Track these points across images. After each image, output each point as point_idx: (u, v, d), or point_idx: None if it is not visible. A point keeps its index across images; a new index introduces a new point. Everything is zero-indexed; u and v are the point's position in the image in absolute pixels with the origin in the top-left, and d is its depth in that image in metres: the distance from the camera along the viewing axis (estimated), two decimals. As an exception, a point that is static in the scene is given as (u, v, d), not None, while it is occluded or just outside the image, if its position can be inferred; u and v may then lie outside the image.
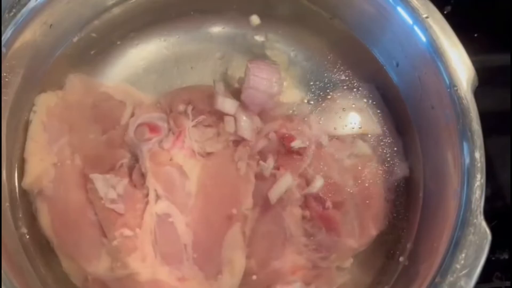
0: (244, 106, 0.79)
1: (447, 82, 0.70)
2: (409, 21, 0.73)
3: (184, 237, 0.74)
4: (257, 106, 0.79)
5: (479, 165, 0.65)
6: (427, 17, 0.72)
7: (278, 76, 0.79)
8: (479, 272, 0.61)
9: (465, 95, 0.68)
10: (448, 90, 0.69)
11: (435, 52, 0.71)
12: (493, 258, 0.85)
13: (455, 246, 0.63)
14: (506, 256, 0.85)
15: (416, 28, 0.73)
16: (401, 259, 0.75)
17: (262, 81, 0.78)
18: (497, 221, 0.70)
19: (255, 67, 0.78)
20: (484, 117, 0.68)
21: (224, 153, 0.79)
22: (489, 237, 0.62)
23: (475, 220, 0.63)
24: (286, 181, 0.75)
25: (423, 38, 0.72)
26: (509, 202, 0.88)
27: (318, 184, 0.76)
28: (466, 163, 0.66)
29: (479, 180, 0.65)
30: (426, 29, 0.71)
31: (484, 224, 0.63)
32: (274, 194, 0.74)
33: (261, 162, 0.77)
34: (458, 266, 0.62)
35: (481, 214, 0.63)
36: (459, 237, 0.63)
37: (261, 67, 0.79)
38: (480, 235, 0.62)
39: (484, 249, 0.62)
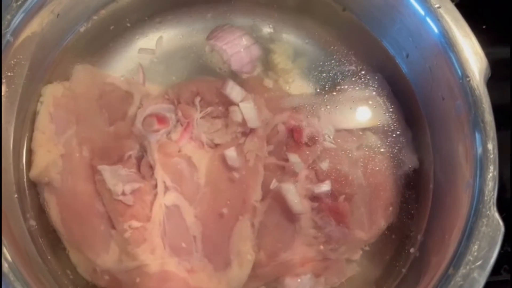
0: (240, 76, 0.82)
1: (459, 72, 0.69)
2: (421, 11, 0.72)
3: (193, 229, 0.74)
4: (250, 64, 0.82)
5: (492, 156, 0.65)
6: (439, 7, 0.71)
7: (237, 28, 0.82)
8: (493, 264, 0.61)
9: (478, 85, 0.67)
10: (460, 80, 0.69)
11: (447, 43, 0.70)
12: (501, 251, 0.84)
13: (467, 237, 0.63)
14: (514, 249, 0.85)
15: (428, 18, 0.72)
16: (411, 250, 0.75)
17: (233, 42, 0.81)
18: (505, 214, 0.69)
19: (217, 39, 0.82)
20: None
21: (232, 144, 0.78)
22: (502, 228, 0.62)
23: (488, 212, 0.63)
24: (291, 191, 0.74)
25: (435, 29, 0.71)
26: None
27: (324, 188, 0.75)
28: (478, 155, 0.66)
29: (492, 171, 0.64)
30: (438, 20, 0.71)
31: (497, 215, 0.63)
32: (297, 208, 0.74)
33: (291, 159, 0.76)
34: (471, 258, 0.61)
35: (494, 206, 0.63)
36: (471, 228, 0.63)
37: (219, 35, 0.82)
38: (493, 227, 0.62)
39: (497, 240, 0.62)
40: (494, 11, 0.97)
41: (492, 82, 0.70)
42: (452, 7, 0.71)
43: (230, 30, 0.83)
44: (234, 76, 0.84)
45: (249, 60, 0.82)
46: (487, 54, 0.70)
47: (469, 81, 0.68)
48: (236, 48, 0.82)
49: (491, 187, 0.64)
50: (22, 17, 0.70)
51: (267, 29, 0.88)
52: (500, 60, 0.93)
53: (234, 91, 0.77)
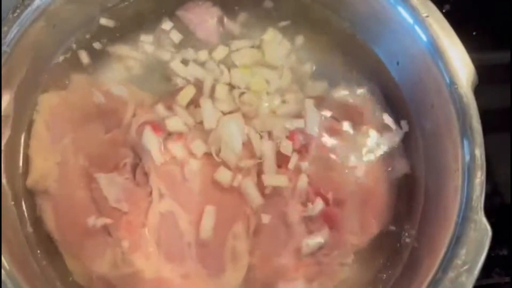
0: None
1: (447, 80, 0.70)
2: (410, 20, 0.74)
3: (187, 235, 0.75)
4: (215, 34, 0.86)
5: (479, 162, 0.66)
6: (427, 16, 0.72)
7: (206, 2, 0.87)
8: (480, 268, 0.62)
9: (465, 93, 0.69)
10: (448, 88, 0.70)
11: (436, 51, 0.72)
12: (492, 254, 0.85)
13: (456, 242, 0.64)
14: (506, 252, 0.86)
15: (416, 27, 0.73)
16: (403, 255, 0.76)
17: (200, 13, 0.86)
18: (496, 217, 0.71)
19: (186, 9, 0.86)
20: (483, 115, 0.69)
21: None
22: (490, 233, 0.63)
23: (475, 217, 0.64)
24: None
25: (424, 37, 0.73)
26: (506, 199, 0.89)
27: (317, 208, 0.76)
28: (466, 161, 0.67)
29: (479, 177, 0.66)
30: (426, 28, 0.72)
31: (484, 220, 0.64)
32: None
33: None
34: (459, 262, 0.62)
35: (482, 211, 0.64)
36: (460, 233, 0.64)
37: (188, 6, 0.87)
38: (480, 231, 0.63)
39: (485, 245, 0.63)
40: (484, 18, 0.98)
41: (486, 86, 0.71)
42: (440, 16, 0.73)
43: (198, 4, 0.87)
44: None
45: (215, 30, 0.85)
46: (479, 60, 0.71)
47: (457, 88, 0.69)
48: (203, 17, 0.85)
49: (479, 192, 0.65)
50: (18, 28, 0.71)
51: (259, 38, 0.89)
52: (495, 65, 0.95)
53: None
